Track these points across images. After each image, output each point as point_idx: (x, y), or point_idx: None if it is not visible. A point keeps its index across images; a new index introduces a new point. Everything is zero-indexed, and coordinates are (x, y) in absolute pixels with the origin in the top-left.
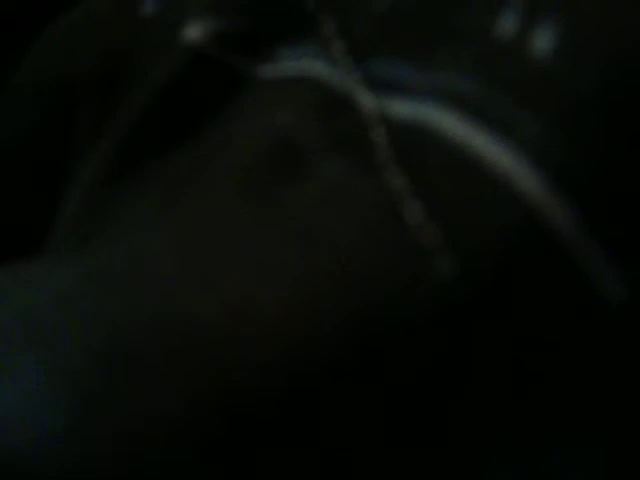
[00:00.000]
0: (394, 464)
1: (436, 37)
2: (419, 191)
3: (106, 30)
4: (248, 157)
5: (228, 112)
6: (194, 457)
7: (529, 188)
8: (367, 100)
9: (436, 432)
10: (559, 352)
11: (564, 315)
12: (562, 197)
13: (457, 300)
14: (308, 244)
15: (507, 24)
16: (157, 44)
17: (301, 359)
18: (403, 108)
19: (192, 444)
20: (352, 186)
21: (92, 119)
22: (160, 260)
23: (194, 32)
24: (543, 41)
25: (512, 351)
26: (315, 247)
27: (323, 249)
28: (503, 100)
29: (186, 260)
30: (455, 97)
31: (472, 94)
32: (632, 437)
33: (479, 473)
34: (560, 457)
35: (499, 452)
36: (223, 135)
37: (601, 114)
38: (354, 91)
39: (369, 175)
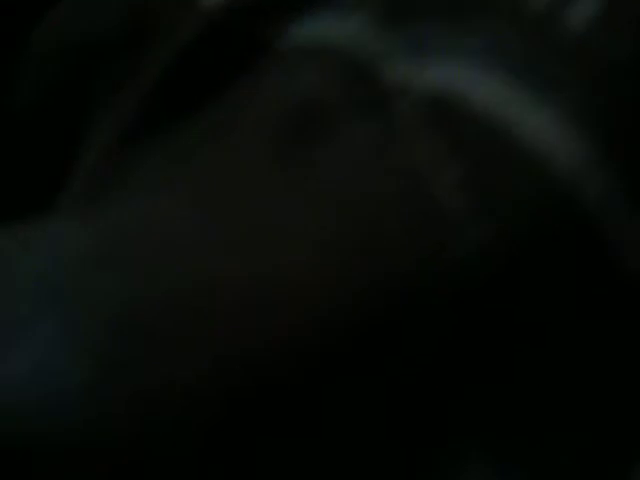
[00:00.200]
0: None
1: (471, 3)
2: (451, 158)
3: None
4: (274, 118)
5: (250, 77)
6: (209, 423)
7: (565, 156)
8: (398, 66)
9: (454, 402)
10: (585, 321)
11: (592, 285)
12: (598, 165)
13: (489, 267)
14: (335, 209)
15: None
16: (180, 6)
17: (326, 325)
18: (436, 74)
19: (209, 410)
20: (380, 151)
21: (112, 79)
22: (180, 221)
23: None
24: (579, 10)
25: (538, 319)
26: (342, 212)
27: (350, 214)
28: (539, 67)
29: (208, 222)
30: (489, 64)
31: (507, 61)
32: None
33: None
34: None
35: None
36: (246, 98)
37: (636, 80)
38: (383, 57)
39: (398, 141)
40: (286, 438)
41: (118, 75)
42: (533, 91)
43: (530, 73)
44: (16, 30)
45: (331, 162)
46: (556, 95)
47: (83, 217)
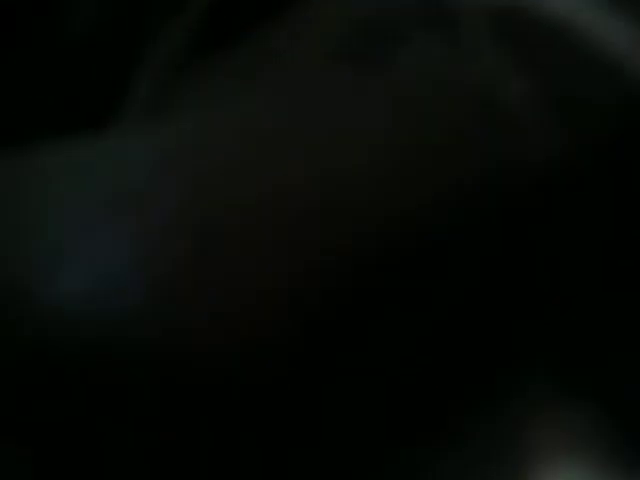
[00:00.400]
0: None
1: None
2: (522, 69)
3: None
4: (341, 32)
5: None
6: (292, 335)
7: (638, 64)
8: None
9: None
10: None
11: None
12: None
13: (566, 176)
14: (404, 115)
15: None
16: None
17: (395, 230)
18: None
19: (290, 321)
20: (451, 63)
21: (164, 12)
22: (249, 130)
23: None
24: None
25: (612, 232)
26: (411, 119)
27: (419, 121)
28: None
29: (275, 126)
30: None
31: None
32: None
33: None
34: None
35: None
36: (310, 15)
37: None
38: None
39: (467, 52)
40: (349, 352)
41: (169, 8)
42: (600, 4)
43: None
44: None
45: (402, 71)
46: (624, 6)
47: (146, 130)
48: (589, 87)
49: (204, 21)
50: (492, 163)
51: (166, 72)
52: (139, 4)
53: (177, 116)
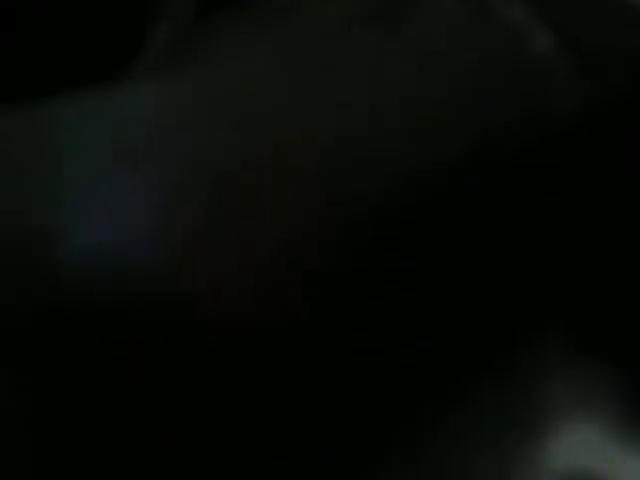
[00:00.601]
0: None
1: None
2: (545, 20)
3: None
4: None
5: None
6: (296, 283)
7: None
8: None
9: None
10: None
11: None
12: None
13: (594, 125)
14: (429, 70)
15: None
16: None
17: (423, 184)
18: None
19: (297, 271)
20: (473, 16)
21: None
22: (267, 82)
23: None
24: None
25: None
26: (437, 73)
27: (445, 75)
28: None
29: (296, 81)
30: None
31: None
32: None
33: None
34: None
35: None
36: None
37: None
38: None
39: (491, 7)
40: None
41: None
42: None
43: None
44: None
45: (424, 25)
46: None
47: (162, 82)
48: (614, 37)
49: None
50: (517, 112)
51: (183, 24)
52: None
53: (193, 68)
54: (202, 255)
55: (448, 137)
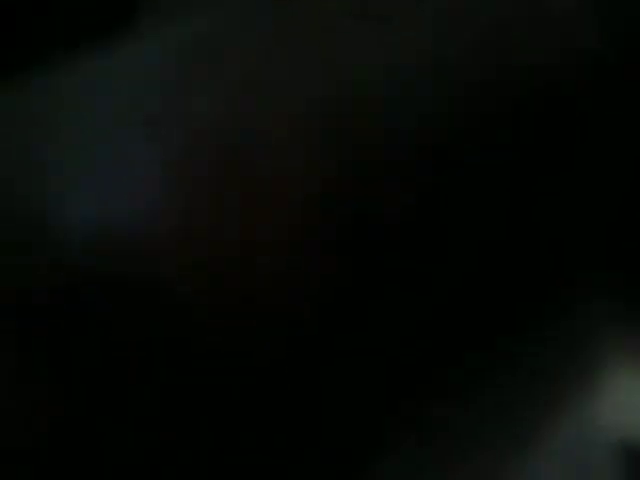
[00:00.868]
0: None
1: None
2: None
3: None
4: None
5: None
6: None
7: None
8: None
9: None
10: None
11: None
12: None
13: (596, 79)
14: (447, 12)
15: None
16: None
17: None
18: None
19: (313, 232)
20: None
21: None
22: (268, 50)
23: None
24: None
25: None
26: (455, 15)
27: (463, 18)
28: None
29: (308, 31)
30: None
31: None
32: None
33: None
34: None
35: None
36: None
37: None
38: None
39: None
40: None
41: None
42: None
43: None
44: None
45: None
46: None
47: (162, 36)
48: None
49: None
50: (537, 60)
51: None
52: None
53: (193, 19)
54: (203, 226)
55: (466, 77)
